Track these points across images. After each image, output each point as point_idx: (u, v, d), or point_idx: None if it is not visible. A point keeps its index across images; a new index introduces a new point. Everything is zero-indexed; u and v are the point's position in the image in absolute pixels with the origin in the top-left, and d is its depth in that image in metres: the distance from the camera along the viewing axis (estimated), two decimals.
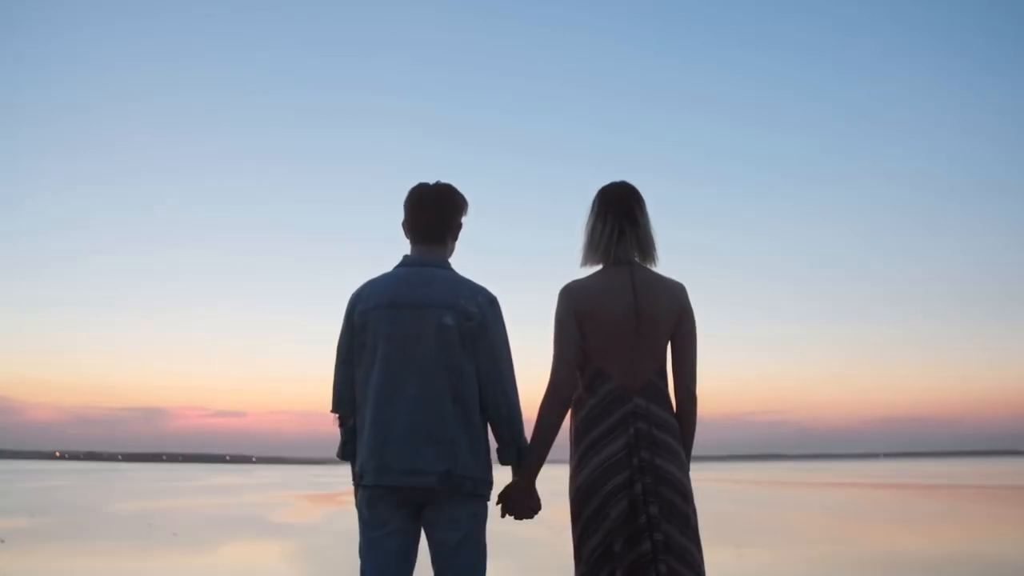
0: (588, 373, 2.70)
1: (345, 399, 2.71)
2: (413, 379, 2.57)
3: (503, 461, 2.72)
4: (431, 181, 2.81)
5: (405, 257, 2.76)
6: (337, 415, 2.75)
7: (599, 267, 2.78)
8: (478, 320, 2.61)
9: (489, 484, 2.66)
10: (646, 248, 2.78)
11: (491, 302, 2.68)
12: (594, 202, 2.83)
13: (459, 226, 2.82)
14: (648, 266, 2.78)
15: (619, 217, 2.77)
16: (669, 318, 2.71)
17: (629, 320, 2.66)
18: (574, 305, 2.69)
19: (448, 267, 2.75)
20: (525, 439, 2.71)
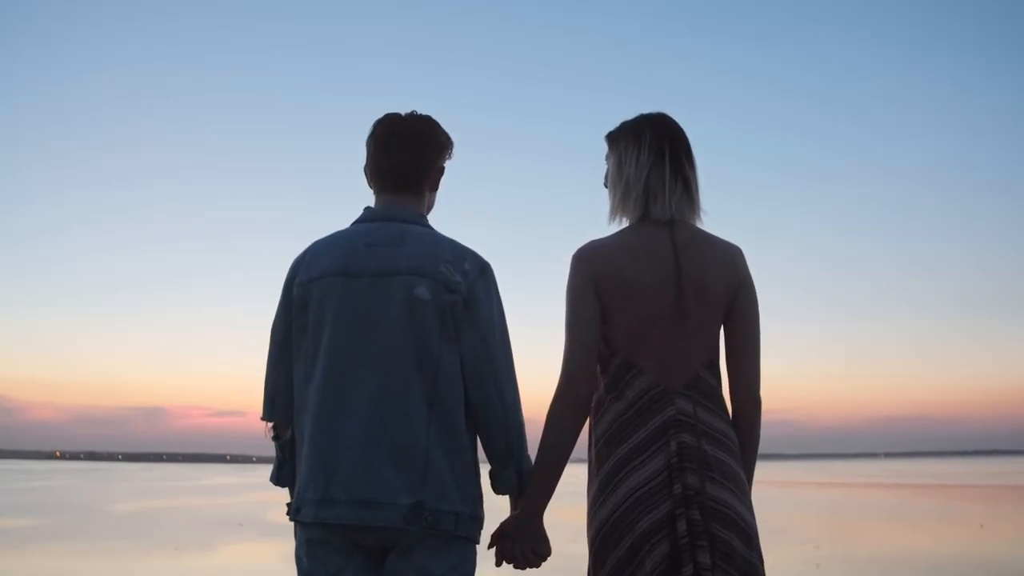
0: (613, 368, 1.98)
1: (280, 403, 2.00)
2: (372, 374, 1.85)
3: (498, 488, 2.00)
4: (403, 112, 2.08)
5: (366, 210, 2.05)
6: (270, 425, 2.03)
7: (627, 224, 2.07)
8: (464, 293, 1.89)
9: (478, 521, 1.93)
10: (697, 206, 2.07)
11: (483, 270, 1.96)
12: (635, 132, 2.07)
13: (440, 171, 2.10)
14: (695, 223, 2.06)
15: (680, 159, 2.05)
16: (723, 292, 1.99)
17: (668, 294, 1.95)
18: (593, 273, 1.97)
19: (425, 223, 2.03)
20: (528, 458, 1.99)
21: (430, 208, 2.11)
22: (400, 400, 1.84)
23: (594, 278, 1.97)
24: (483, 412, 1.91)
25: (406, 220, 1.98)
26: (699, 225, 2.06)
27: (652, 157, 2.02)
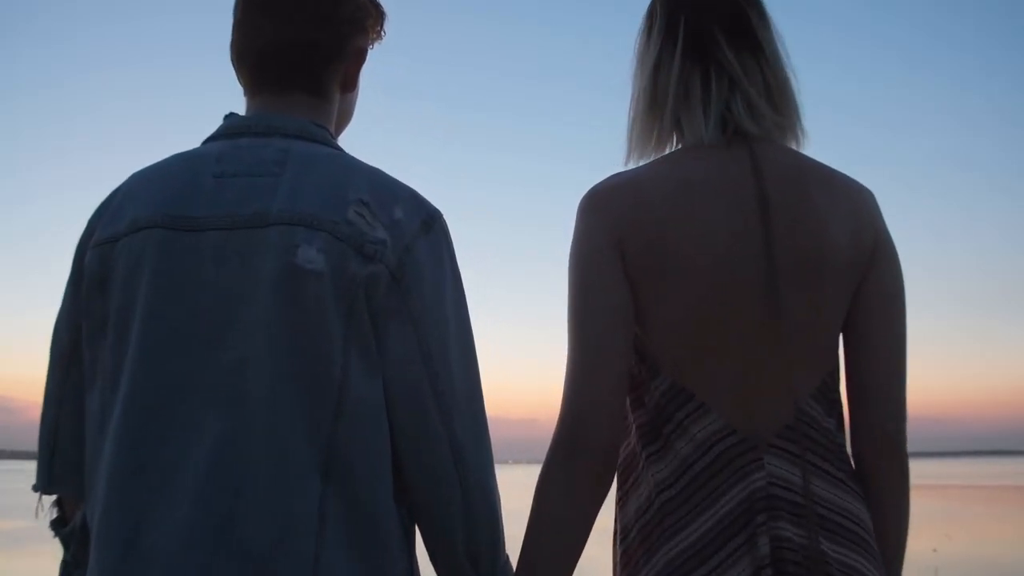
0: (654, 400, 1.14)
1: (66, 459, 1.13)
2: (215, 414, 0.99)
3: None
4: None
5: (227, 118, 1.18)
6: (50, 500, 1.18)
7: (673, 151, 1.23)
8: (391, 262, 1.04)
9: None
10: (782, 104, 1.19)
11: (427, 221, 1.09)
12: (653, 5, 1.25)
13: (360, 56, 1.22)
14: (788, 143, 1.21)
15: (755, 38, 1.19)
16: (848, 263, 1.14)
17: (752, 267, 1.11)
18: (618, 230, 1.13)
19: (328, 141, 1.16)
20: (507, 564, 1.13)
21: (344, 121, 1.26)
22: (267, 464, 0.98)
23: (619, 238, 1.12)
24: (425, 486, 1.05)
25: (294, 134, 1.12)
26: (796, 144, 1.21)
27: (716, 33, 1.17)
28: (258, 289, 1.01)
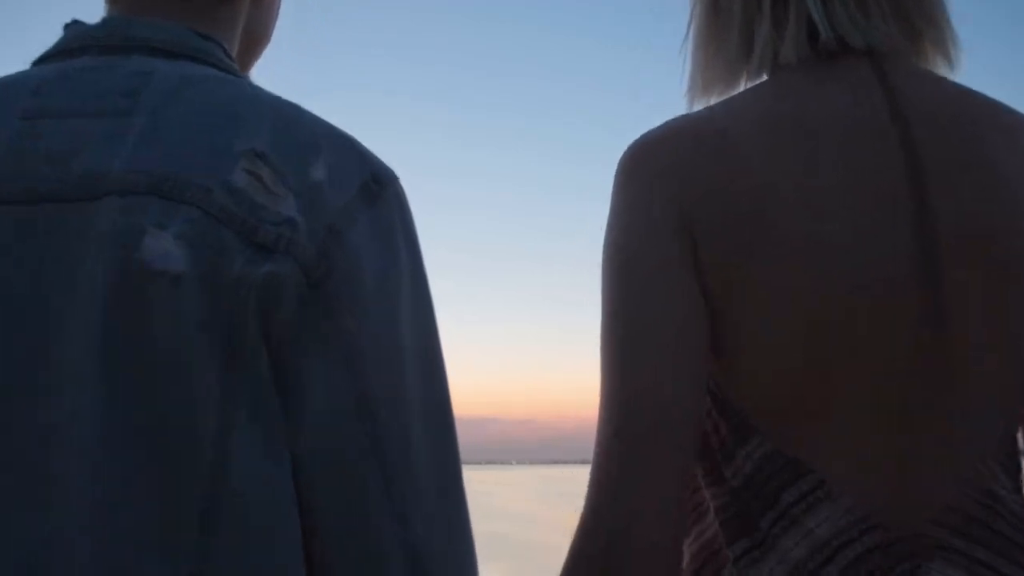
0: (745, 473, 0.71)
1: None
2: (6, 519, 0.56)
3: None
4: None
5: (69, 27, 0.72)
6: None
7: (760, 82, 0.79)
8: (308, 255, 0.60)
9: None
10: (915, 5, 0.74)
11: (371, 186, 0.65)
12: None
13: None
14: (939, 68, 0.77)
15: None
16: None
17: (896, 257, 0.68)
18: (678, 200, 0.70)
19: (221, 62, 0.71)
20: None
21: (257, 41, 0.83)
22: None
23: (683, 212, 0.71)
24: None
25: (165, 49, 0.69)
26: (949, 71, 0.78)
27: None
28: (79, 303, 0.59)
